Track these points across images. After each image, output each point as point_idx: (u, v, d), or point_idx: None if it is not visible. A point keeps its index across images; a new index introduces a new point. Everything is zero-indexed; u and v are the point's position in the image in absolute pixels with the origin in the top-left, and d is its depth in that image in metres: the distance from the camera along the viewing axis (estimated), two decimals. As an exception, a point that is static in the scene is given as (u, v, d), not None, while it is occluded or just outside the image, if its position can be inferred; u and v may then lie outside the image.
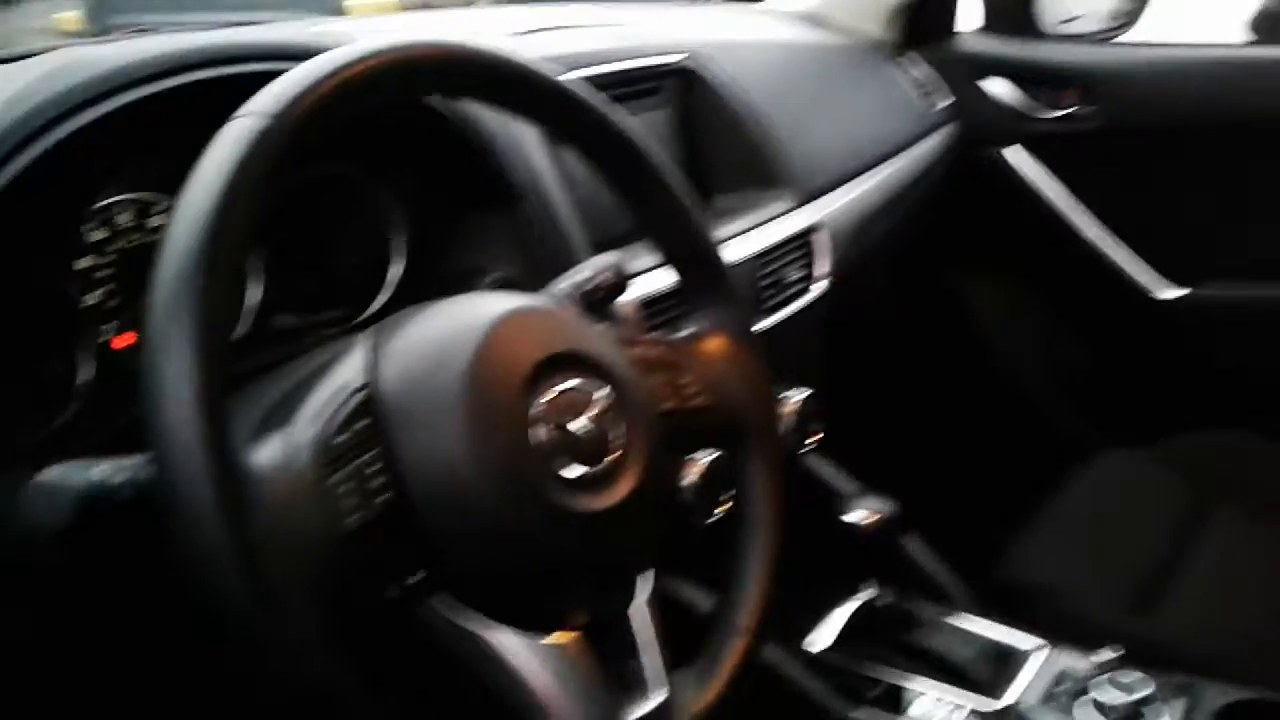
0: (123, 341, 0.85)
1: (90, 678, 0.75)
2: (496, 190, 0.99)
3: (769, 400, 0.84)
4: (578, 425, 0.65)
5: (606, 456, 0.66)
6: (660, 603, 0.75)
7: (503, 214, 1.00)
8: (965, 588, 1.24)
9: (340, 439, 0.59)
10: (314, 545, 0.56)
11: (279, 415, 0.61)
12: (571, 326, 0.70)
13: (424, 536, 0.61)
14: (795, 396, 1.21)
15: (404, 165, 0.97)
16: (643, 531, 0.70)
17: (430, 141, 0.96)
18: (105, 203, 0.85)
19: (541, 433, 0.64)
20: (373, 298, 0.99)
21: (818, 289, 1.28)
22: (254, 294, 0.91)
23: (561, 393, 0.66)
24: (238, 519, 0.53)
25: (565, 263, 0.92)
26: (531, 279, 0.97)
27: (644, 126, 1.23)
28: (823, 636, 1.12)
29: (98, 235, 0.85)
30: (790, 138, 1.32)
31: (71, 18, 3.80)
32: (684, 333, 0.82)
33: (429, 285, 0.98)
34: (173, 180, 0.88)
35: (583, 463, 0.65)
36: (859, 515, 1.15)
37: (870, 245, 1.39)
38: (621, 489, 0.67)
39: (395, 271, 0.99)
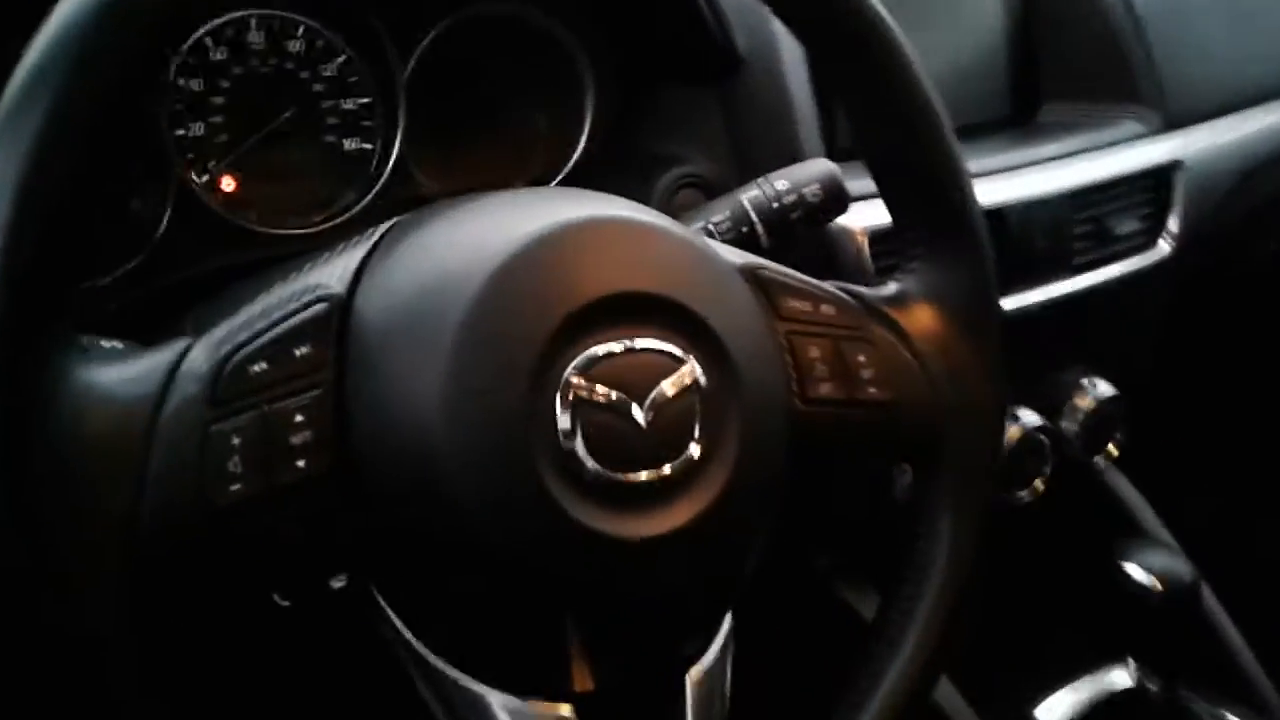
0: (224, 186, 0.72)
1: None
2: (712, 57, 0.75)
3: (988, 419, 0.57)
4: (637, 409, 0.44)
5: (670, 460, 0.44)
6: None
7: (715, 90, 0.76)
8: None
9: (259, 368, 0.41)
10: (152, 516, 0.38)
11: (215, 317, 0.44)
12: (672, 257, 0.47)
13: (358, 531, 0.42)
14: (1096, 391, 0.92)
15: (598, 11, 0.76)
16: (712, 572, 0.47)
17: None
18: (232, 16, 0.71)
19: (575, 411, 0.42)
20: (543, 179, 0.79)
21: (1162, 250, 0.94)
22: (388, 142, 0.75)
23: (620, 354, 0.43)
24: (17, 454, 0.36)
25: (783, 160, 0.68)
26: (736, 179, 0.74)
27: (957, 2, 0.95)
28: (1054, 713, 0.84)
29: (218, 55, 0.71)
30: (1171, 35, 0.97)
31: None
32: (885, 290, 0.57)
33: (607, 173, 0.78)
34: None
35: (630, 465, 0.43)
36: (1142, 567, 0.84)
37: (1257, 199, 1.01)
38: (686, 509, 0.44)
39: (574, 149, 0.79)
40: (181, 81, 0.69)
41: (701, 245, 0.48)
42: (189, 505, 0.39)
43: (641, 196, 0.74)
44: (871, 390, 0.53)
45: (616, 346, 0.44)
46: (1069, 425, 0.92)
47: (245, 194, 0.72)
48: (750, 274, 0.51)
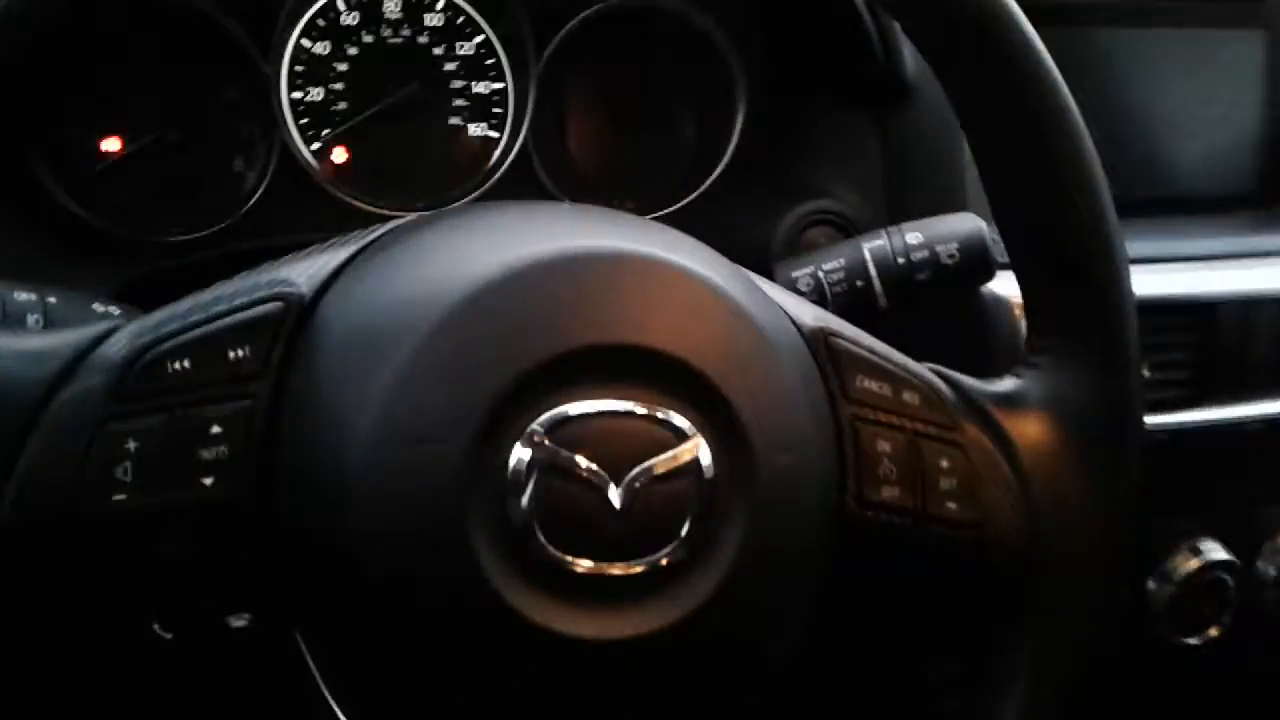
0: (334, 157, 0.68)
1: None
2: (875, 80, 0.66)
3: (1097, 568, 0.45)
4: (613, 486, 0.36)
5: (647, 554, 0.36)
6: None
7: (875, 118, 0.67)
8: None
9: (180, 365, 0.36)
10: (12, 509, 0.34)
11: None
12: (700, 310, 0.38)
13: (266, 568, 0.37)
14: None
15: (756, 12, 0.68)
16: (685, 691, 0.38)
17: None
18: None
19: (533, 477, 0.35)
20: (679, 193, 0.72)
21: None
22: (515, 132, 0.69)
23: (604, 416, 0.36)
24: None
25: (940, 210, 0.59)
26: (883, 223, 0.64)
27: (1215, 58, 0.81)
28: None
29: (349, 20, 0.68)
30: None
31: None
32: (997, 385, 0.46)
33: (737, 195, 0.70)
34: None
35: (593, 552, 0.36)
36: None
37: None
38: (657, 614, 0.36)
39: (717, 162, 0.71)
40: (305, 43, 0.66)
41: (743, 300, 0.39)
42: (57, 507, 0.34)
43: (767, 226, 0.67)
44: (950, 505, 0.43)
45: (601, 406, 0.36)
46: (1266, 567, 0.77)
47: (354, 168, 0.69)
48: (820, 340, 0.42)
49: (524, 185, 0.70)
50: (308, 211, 0.67)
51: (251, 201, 0.66)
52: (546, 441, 0.35)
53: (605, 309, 0.36)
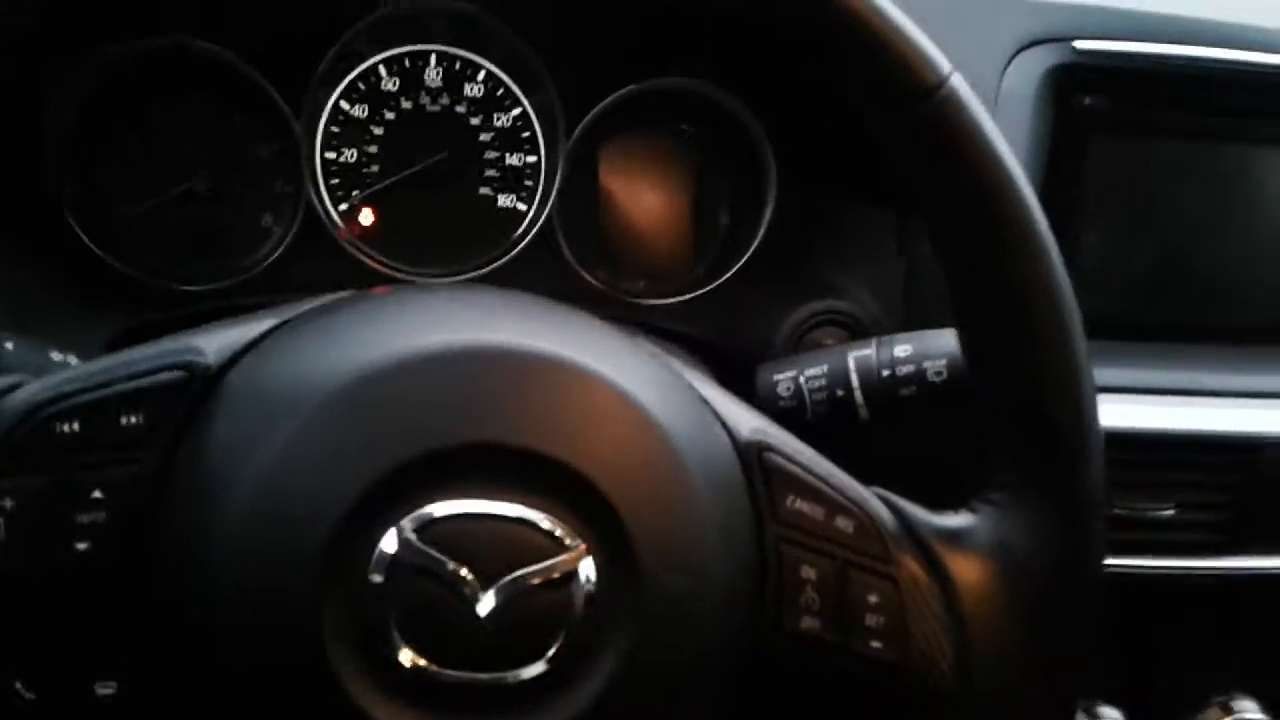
0: (361, 219, 0.69)
1: None
2: (899, 185, 0.63)
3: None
4: (481, 593, 0.35)
5: (512, 667, 0.35)
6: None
7: (902, 219, 0.65)
8: None
9: (69, 427, 0.36)
10: None
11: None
12: (597, 414, 0.37)
13: (134, 637, 0.37)
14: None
15: (792, 110, 0.66)
16: None
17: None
18: (411, 49, 0.69)
19: (395, 575, 0.34)
20: (698, 280, 0.70)
21: None
22: (543, 206, 0.69)
23: (479, 519, 0.35)
24: None
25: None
26: (887, 327, 0.62)
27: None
28: None
29: (389, 85, 0.69)
30: None
31: None
32: (946, 519, 0.43)
33: (751, 285, 0.68)
34: (504, 50, 0.70)
35: (454, 661, 0.35)
36: None
37: None
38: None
39: (743, 252, 0.70)
40: (344, 105, 0.68)
41: (654, 407, 0.38)
42: None
43: (773, 321, 0.65)
44: (874, 644, 0.40)
45: (474, 508, 0.35)
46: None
47: (380, 231, 0.70)
48: (754, 453, 0.40)
49: (547, 258, 0.70)
50: (329, 271, 0.68)
51: (273, 257, 0.67)
52: (414, 539, 0.34)
53: (492, 407, 0.36)
